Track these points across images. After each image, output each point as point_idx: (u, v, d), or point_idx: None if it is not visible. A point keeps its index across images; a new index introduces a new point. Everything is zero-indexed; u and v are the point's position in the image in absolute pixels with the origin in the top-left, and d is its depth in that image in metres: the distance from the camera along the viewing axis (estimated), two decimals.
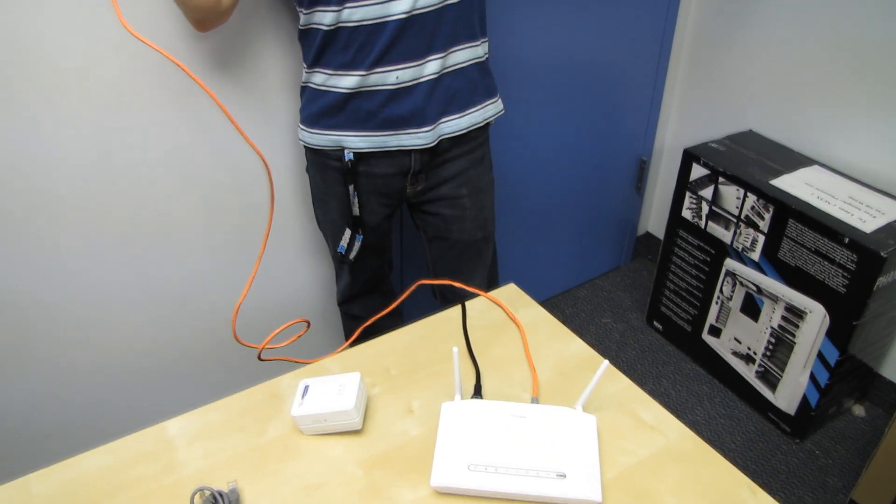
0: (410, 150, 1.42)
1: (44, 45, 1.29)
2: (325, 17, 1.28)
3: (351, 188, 1.44)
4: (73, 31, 1.31)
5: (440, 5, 1.30)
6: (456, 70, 1.39)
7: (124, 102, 1.42)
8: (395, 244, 1.93)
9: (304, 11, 1.31)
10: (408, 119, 1.37)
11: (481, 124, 1.48)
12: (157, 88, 1.45)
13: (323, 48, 1.33)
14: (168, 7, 1.37)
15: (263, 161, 1.09)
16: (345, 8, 1.26)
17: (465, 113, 1.44)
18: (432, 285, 1.74)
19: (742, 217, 1.89)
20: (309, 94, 1.42)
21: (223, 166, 1.61)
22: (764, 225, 1.84)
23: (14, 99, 1.30)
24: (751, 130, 2.15)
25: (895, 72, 1.76)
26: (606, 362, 0.87)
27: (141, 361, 1.72)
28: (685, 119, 2.41)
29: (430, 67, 1.34)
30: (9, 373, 1.56)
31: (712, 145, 2.03)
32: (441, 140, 1.43)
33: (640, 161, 2.47)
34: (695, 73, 2.32)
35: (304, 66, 1.41)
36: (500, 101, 1.52)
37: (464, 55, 1.39)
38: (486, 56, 1.46)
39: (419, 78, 1.34)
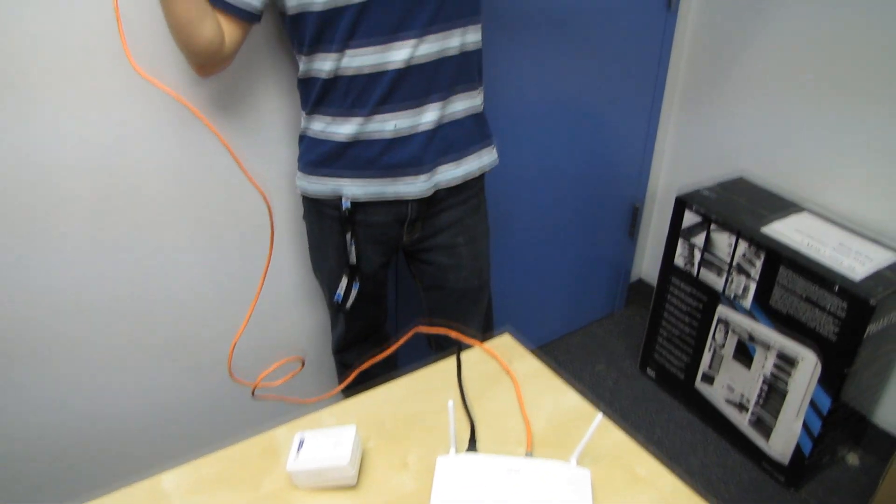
0: (407, 200, 1.44)
1: (50, 80, 1.31)
2: (324, 65, 1.31)
3: (348, 236, 1.46)
4: (82, 69, 1.33)
5: (438, 56, 1.33)
6: (453, 120, 1.41)
7: (128, 137, 1.44)
8: (390, 290, 1.94)
9: (305, 58, 1.34)
10: (405, 168, 1.39)
11: (477, 174, 1.50)
12: (162, 126, 1.47)
13: (322, 95, 1.36)
14: (173, 48, 1.40)
15: (265, 200, 1.11)
16: (344, 56, 1.29)
17: (462, 162, 1.46)
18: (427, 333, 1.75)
19: (734, 264, 1.91)
20: (307, 142, 1.44)
21: (224, 204, 1.62)
22: (755, 272, 1.86)
23: (16, 120, 1.33)
24: (742, 177, 2.18)
25: (883, 120, 1.80)
26: (600, 415, 0.88)
27: (133, 401, 1.71)
28: (677, 165, 2.44)
29: (428, 117, 1.37)
30: None
31: (704, 192, 2.06)
32: (437, 189, 1.45)
33: (633, 207, 2.49)
34: (686, 120, 2.36)
35: (303, 113, 1.43)
36: (495, 150, 1.54)
37: (461, 105, 1.42)
38: (483, 105, 1.49)
39: (417, 127, 1.37)
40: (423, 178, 1.41)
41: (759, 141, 2.13)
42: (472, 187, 1.52)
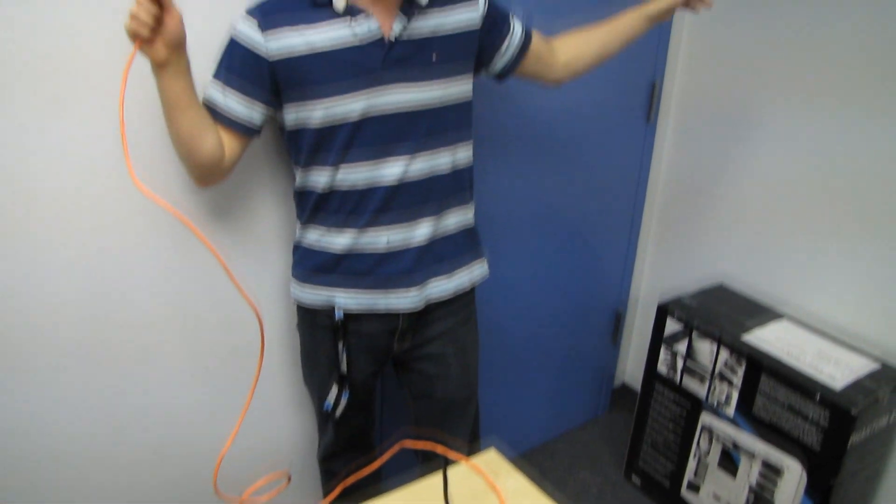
0: (399, 312, 1.46)
1: (54, 189, 1.35)
2: (320, 178, 1.36)
3: (340, 345, 1.47)
4: (84, 180, 1.38)
5: (430, 174, 1.38)
6: (445, 235, 1.46)
7: (124, 243, 1.47)
8: (376, 397, 1.93)
9: (301, 170, 1.38)
10: (396, 281, 1.42)
11: (468, 288, 1.54)
12: (155, 236, 1.49)
13: (317, 207, 1.40)
14: (170, 159, 1.44)
15: (257, 314, 1.12)
16: (339, 170, 1.34)
17: (453, 276, 1.49)
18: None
19: (716, 372, 1.93)
20: (302, 252, 1.47)
21: (215, 315, 1.64)
22: (737, 380, 1.87)
23: (14, 233, 1.35)
24: (722, 283, 2.22)
25: (859, 228, 1.86)
26: None
27: None
28: (658, 272, 2.49)
29: (421, 232, 1.41)
30: None
31: (685, 300, 2.09)
32: (428, 303, 1.48)
33: (616, 313, 2.53)
34: (666, 228, 2.42)
35: (298, 223, 1.47)
36: (486, 263, 1.58)
37: (453, 220, 1.47)
38: (474, 219, 1.54)
39: (409, 241, 1.41)
40: (414, 291, 1.44)
41: (737, 248, 2.18)
42: (463, 299, 1.55)
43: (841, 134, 1.85)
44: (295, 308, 1.56)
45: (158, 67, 1.18)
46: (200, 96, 1.30)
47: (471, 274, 1.54)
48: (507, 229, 2.06)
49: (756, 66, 2.03)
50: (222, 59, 1.32)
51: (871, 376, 1.75)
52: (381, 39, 1.30)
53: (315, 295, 1.46)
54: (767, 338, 1.90)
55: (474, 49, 1.43)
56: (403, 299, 1.44)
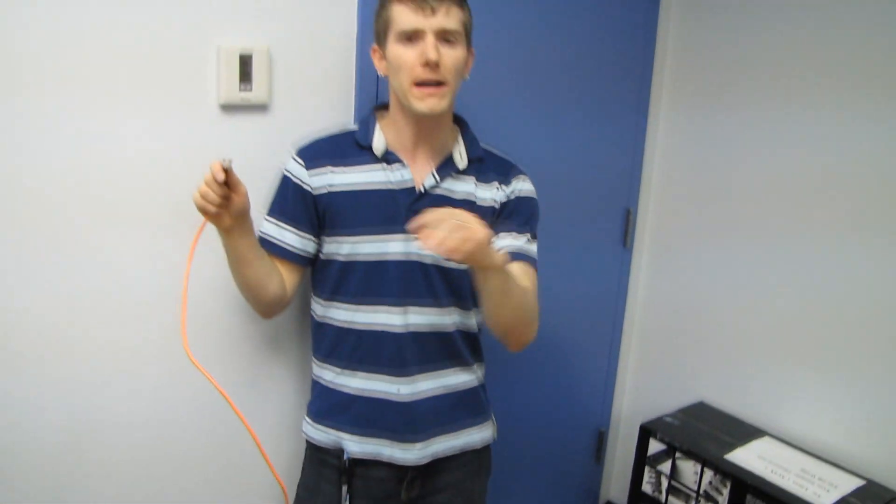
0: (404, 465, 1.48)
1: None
2: (337, 316, 1.44)
3: (344, 489, 1.47)
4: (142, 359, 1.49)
5: (438, 330, 1.45)
6: (453, 392, 1.50)
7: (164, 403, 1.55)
8: None
9: (322, 304, 1.46)
10: (402, 434, 1.45)
11: (478, 446, 1.56)
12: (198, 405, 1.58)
13: (333, 346, 1.46)
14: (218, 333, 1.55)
15: (282, 488, 1.15)
16: (355, 311, 1.42)
17: (460, 434, 1.52)
18: None
19: (701, 492, 1.92)
20: (318, 390, 1.51)
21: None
22: (723, 500, 1.86)
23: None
24: (702, 402, 2.23)
25: (837, 344, 1.90)
26: None
27: None
28: (640, 391, 2.50)
29: (426, 387, 1.45)
30: None
31: (667, 419, 2.10)
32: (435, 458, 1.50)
33: (599, 432, 2.52)
34: (647, 349, 2.45)
35: (315, 359, 1.52)
36: (493, 424, 1.61)
37: (461, 379, 1.51)
38: (484, 380, 1.58)
39: (417, 394, 1.45)
40: (419, 446, 1.46)
41: (717, 367, 2.21)
42: (474, 453, 1.57)
43: (814, 260, 1.92)
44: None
45: (224, 232, 1.28)
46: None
47: (481, 433, 1.57)
48: (489, 352, 2.07)
49: (730, 191, 2.12)
50: (275, 197, 1.45)
51: (857, 493, 1.75)
52: (413, 188, 1.39)
53: (325, 434, 1.49)
54: (750, 457, 1.90)
55: (493, 223, 1.47)
56: (408, 453, 1.46)
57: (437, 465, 1.51)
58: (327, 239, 1.43)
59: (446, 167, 1.43)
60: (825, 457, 1.92)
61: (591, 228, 2.26)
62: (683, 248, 2.28)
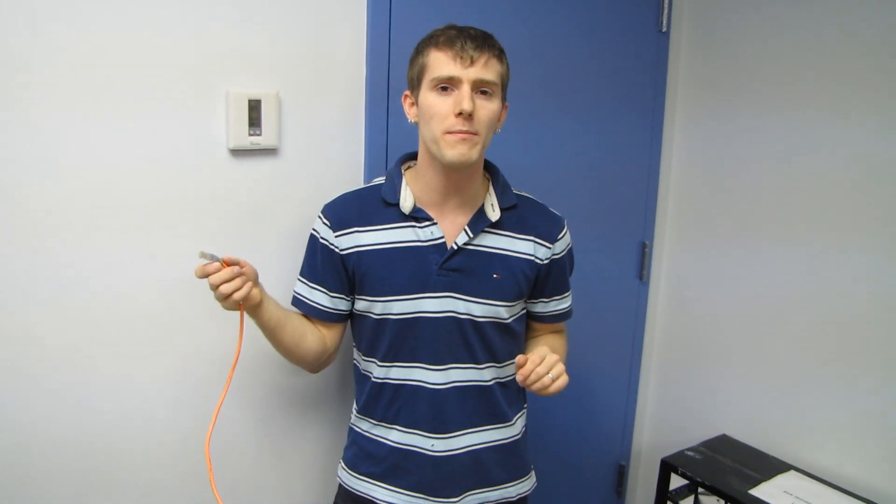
0: None
1: None
2: (373, 370, 1.44)
3: None
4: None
5: (474, 385, 1.44)
6: (489, 447, 1.48)
7: None
8: None
9: (363, 358, 1.47)
10: (437, 488, 1.44)
11: (514, 499, 1.54)
12: None
13: (371, 398, 1.45)
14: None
15: None
16: (389, 367, 1.42)
17: (496, 489, 1.51)
18: None
19: None
20: (354, 437, 1.51)
21: None
22: None
23: None
24: (724, 435, 2.19)
25: (865, 376, 1.85)
26: None
27: None
28: (660, 424, 2.46)
29: (462, 441, 1.44)
30: None
31: (688, 453, 2.06)
32: None
33: (619, 466, 2.48)
34: (666, 381, 2.42)
35: (354, 406, 1.52)
36: (533, 476, 1.60)
37: (498, 435, 1.50)
38: (522, 434, 1.55)
39: (452, 450, 1.43)
40: (452, 501, 1.45)
41: (739, 399, 2.17)
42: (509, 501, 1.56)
43: (838, 284, 1.89)
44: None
45: (257, 307, 1.29)
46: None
47: (517, 488, 1.55)
48: None
49: (745, 221, 2.10)
50: (306, 257, 1.46)
51: None
52: (443, 244, 1.37)
53: (358, 481, 1.48)
54: (776, 492, 1.85)
55: (532, 278, 1.47)
56: None
57: None
58: (359, 297, 1.42)
59: (478, 221, 1.39)
60: (856, 492, 1.86)
61: (607, 262, 2.25)
62: (700, 278, 2.26)
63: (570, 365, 2.18)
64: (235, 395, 1.58)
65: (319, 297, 1.43)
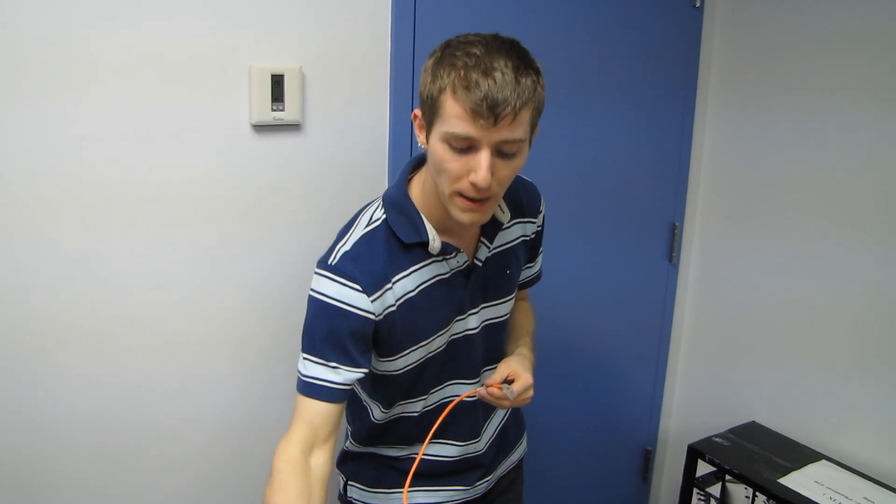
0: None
1: None
2: (408, 408, 1.37)
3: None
4: None
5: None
6: (505, 420, 1.53)
7: None
8: None
9: (383, 411, 1.38)
10: (474, 482, 1.45)
11: (516, 463, 1.58)
12: None
13: (406, 432, 1.39)
14: None
15: None
16: (426, 398, 1.37)
17: (512, 453, 1.56)
18: None
19: None
20: (375, 464, 1.45)
21: None
22: None
23: None
24: (754, 422, 2.15)
25: None
26: None
27: None
28: (688, 409, 2.43)
29: (492, 427, 1.48)
30: None
31: (716, 440, 2.02)
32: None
33: (646, 451, 2.45)
34: (695, 365, 2.38)
35: (374, 444, 1.45)
36: (525, 435, 1.62)
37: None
38: None
39: (488, 438, 1.47)
40: (485, 481, 1.48)
41: (769, 385, 2.13)
42: (515, 469, 1.60)
43: (873, 269, 1.84)
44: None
45: None
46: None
47: (519, 450, 1.59)
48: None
49: (779, 202, 2.05)
50: (314, 330, 1.20)
51: None
52: (466, 263, 1.27)
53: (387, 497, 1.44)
54: (806, 481, 1.81)
55: (526, 256, 1.44)
56: (477, 490, 1.47)
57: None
58: (391, 357, 1.26)
59: (492, 229, 1.30)
60: (891, 484, 1.82)
61: (636, 243, 2.21)
62: (731, 261, 2.20)
63: (597, 347, 2.18)
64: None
65: (340, 376, 1.18)
